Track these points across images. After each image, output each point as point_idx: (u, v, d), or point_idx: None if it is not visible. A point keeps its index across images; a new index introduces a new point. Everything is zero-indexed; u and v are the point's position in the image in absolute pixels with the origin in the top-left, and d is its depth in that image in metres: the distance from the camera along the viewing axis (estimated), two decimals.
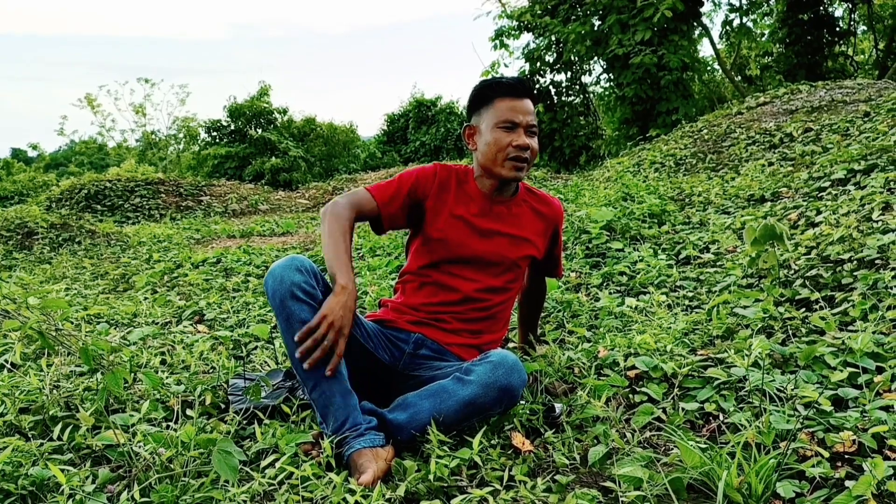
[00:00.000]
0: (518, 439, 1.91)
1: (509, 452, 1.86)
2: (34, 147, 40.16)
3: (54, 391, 2.13)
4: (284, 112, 23.79)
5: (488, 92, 2.23)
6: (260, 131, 21.99)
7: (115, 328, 3.28)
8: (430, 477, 1.66)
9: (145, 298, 3.97)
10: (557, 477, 1.72)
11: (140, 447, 1.74)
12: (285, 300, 1.91)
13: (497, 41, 16.68)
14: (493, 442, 1.89)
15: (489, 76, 16.63)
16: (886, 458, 1.65)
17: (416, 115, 26.50)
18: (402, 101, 27.69)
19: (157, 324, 3.41)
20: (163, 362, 2.64)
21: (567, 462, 1.82)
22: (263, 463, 1.74)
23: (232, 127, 22.50)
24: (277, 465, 1.71)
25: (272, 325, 3.23)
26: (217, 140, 22.85)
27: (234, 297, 3.92)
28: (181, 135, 33.33)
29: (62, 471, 1.61)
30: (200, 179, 11.78)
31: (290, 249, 5.76)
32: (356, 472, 1.74)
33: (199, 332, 3.27)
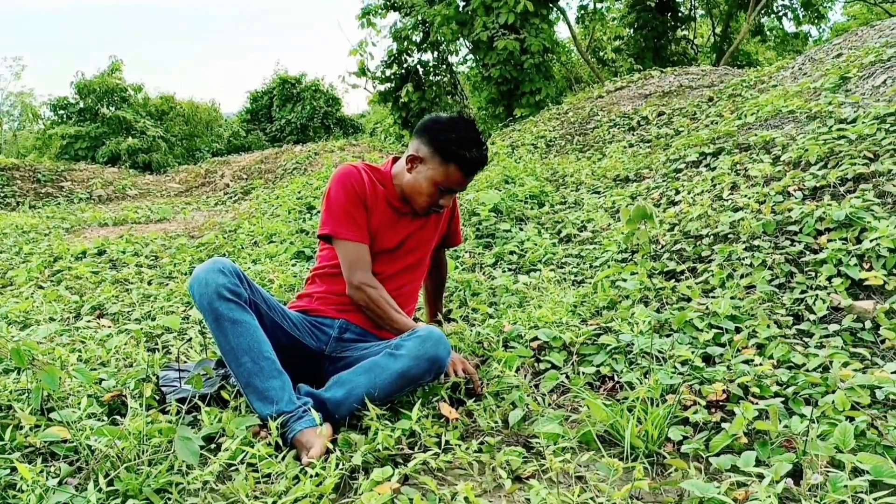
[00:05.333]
0: (446, 409, 2.13)
1: (441, 421, 2.09)
2: None
3: None
4: (139, 90, 22.50)
5: (452, 154, 2.31)
6: (113, 109, 20.68)
7: (9, 326, 3.19)
8: (378, 447, 1.86)
9: (33, 293, 3.84)
10: (487, 439, 1.97)
11: (95, 441, 1.81)
12: (213, 302, 2.04)
13: (364, 19, 16.70)
14: (424, 412, 2.10)
15: (357, 55, 16.69)
16: (752, 403, 2.02)
17: (281, 92, 25.92)
18: (265, 78, 26.95)
19: (55, 321, 3.34)
20: (78, 359, 2.64)
21: (491, 426, 2.07)
22: (223, 445, 1.85)
23: (81, 105, 20.97)
24: (233, 446, 1.84)
25: (181, 315, 3.26)
26: (64, 119, 21.29)
27: (129, 290, 3.87)
28: (16, 112, 30.73)
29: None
30: (60, 165, 11.01)
31: (175, 237, 5.66)
32: (303, 449, 1.90)
33: (102, 326, 3.24)
